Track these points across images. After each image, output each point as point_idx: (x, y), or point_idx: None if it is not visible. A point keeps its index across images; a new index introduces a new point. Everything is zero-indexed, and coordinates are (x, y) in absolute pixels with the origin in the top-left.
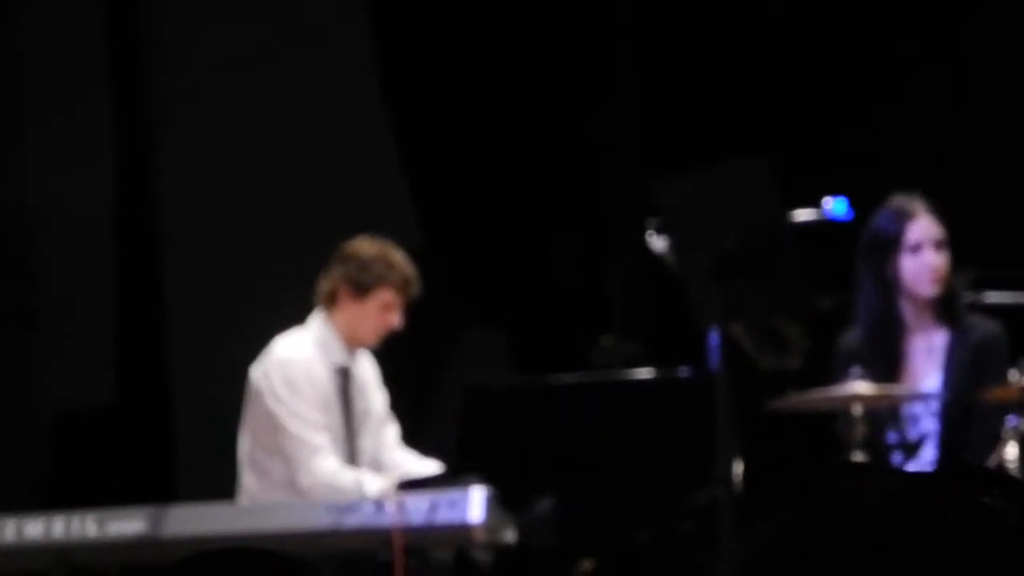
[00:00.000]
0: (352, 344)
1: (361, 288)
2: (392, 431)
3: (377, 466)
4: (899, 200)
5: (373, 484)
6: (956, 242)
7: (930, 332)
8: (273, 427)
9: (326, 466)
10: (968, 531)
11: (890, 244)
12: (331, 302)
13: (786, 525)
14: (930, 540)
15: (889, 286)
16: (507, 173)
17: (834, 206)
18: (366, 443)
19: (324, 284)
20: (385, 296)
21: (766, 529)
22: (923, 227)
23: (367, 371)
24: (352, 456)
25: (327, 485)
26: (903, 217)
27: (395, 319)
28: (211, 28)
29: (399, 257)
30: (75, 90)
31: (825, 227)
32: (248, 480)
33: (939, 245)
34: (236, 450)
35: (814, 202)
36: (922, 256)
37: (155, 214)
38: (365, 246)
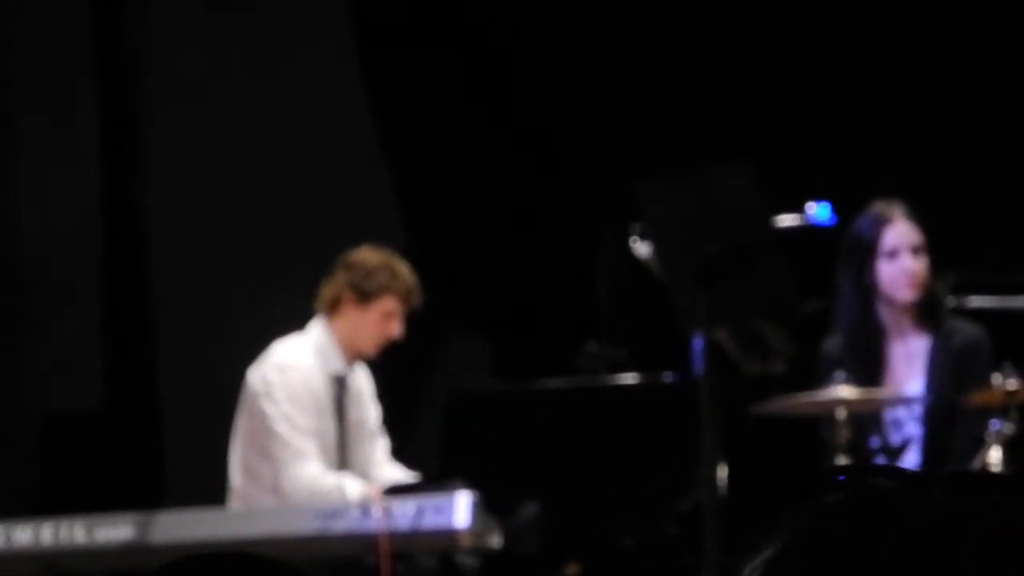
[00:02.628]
0: (351, 353)
1: (365, 295)
2: (382, 445)
3: (366, 478)
4: (878, 206)
5: (354, 488)
6: (939, 247)
7: (912, 337)
8: (264, 429)
9: (307, 471)
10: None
11: (868, 249)
12: (333, 308)
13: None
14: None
15: (867, 291)
16: (493, 179)
17: (817, 211)
18: (357, 453)
19: (327, 290)
20: (388, 304)
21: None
22: (900, 232)
23: (363, 383)
24: (342, 465)
25: (307, 490)
26: (880, 222)
27: (396, 328)
28: (198, 28)
29: (403, 267)
30: (61, 93)
31: (809, 232)
32: (238, 482)
33: (916, 250)
34: (226, 455)
35: (798, 207)
36: (899, 261)
37: (142, 220)
38: (370, 255)
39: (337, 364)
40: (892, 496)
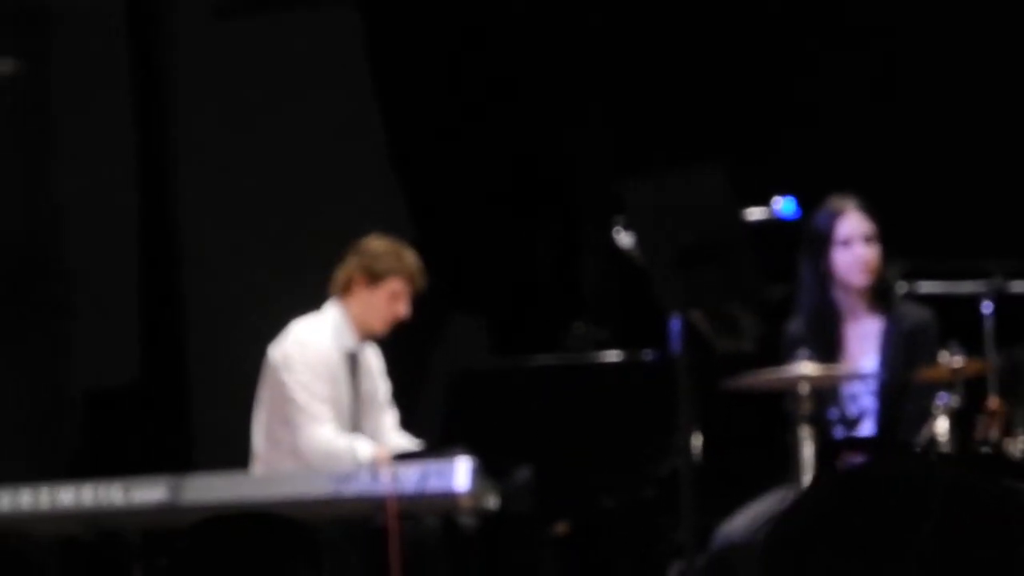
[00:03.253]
0: (362, 332)
1: (374, 277)
2: (391, 417)
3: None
4: (833, 200)
5: (365, 449)
6: (892, 237)
7: (866, 318)
8: (284, 397)
9: (322, 433)
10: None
11: (824, 239)
12: (346, 290)
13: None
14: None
15: (824, 277)
16: (492, 175)
17: (783, 206)
18: (368, 423)
19: (340, 274)
20: (395, 285)
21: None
22: (852, 223)
23: (373, 360)
24: (355, 433)
25: (322, 450)
26: (835, 214)
27: (403, 308)
28: (225, 31)
29: (408, 253)
30: (99, 93)
31: (775, 225)
32: (261, 448)
33: (868, 239)
34: (249, 424)
35: (764, 201)
36: (852, 249)
37: (175, 210)
38: (378, 242)
39: (350, 342)
40: (904, 471)
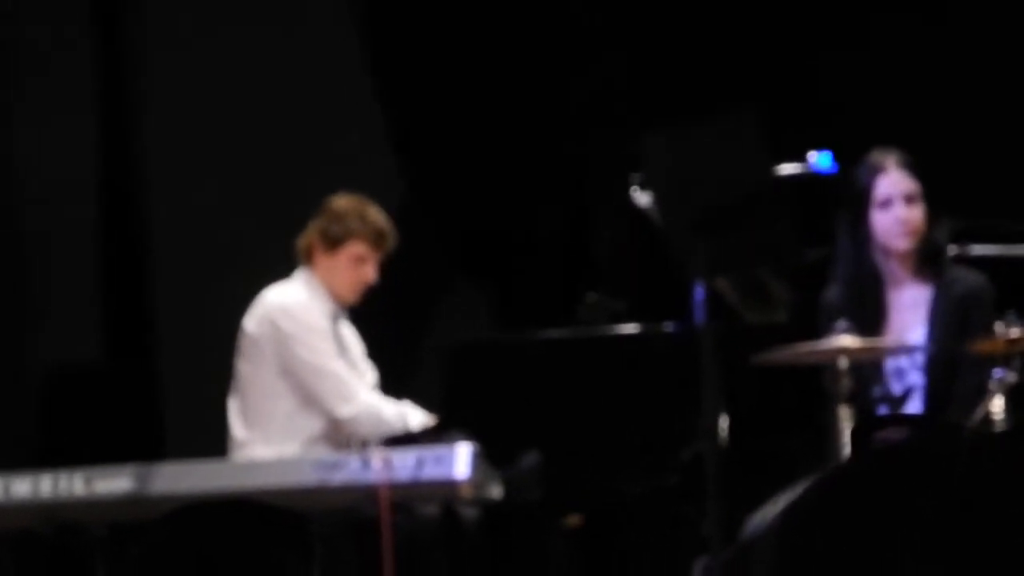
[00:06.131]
0: (334, 299)
1: (332, 241)
2: (371, 376)
3: None
4: (873, 155)
5: (415, 417)
6: (941, 194)
7: (912, 285)
8: (286, 370)
9: (367, 396)
10: None
11: (861, 199)
12: (308, 258)
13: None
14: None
15: (863, 241)
16: (493, 131)
17: (819, 160)
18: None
19: (301, 240)
20: (356, 249)
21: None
22: (893, 181)
23: (345, 320)
24: None
25: (371, 415)
26: (874, 172)
27: (368, 273)
28: None
29: (373, 211)
30: (57, 44)
31: (810, 181)
32: (239, 432)
33: (910, 199)
34: (226, 405)
35: (799, 155)
36: (893, 210)
37: (140, 173)
38: (340, 201)
39: (328, 304)
40: (921, 452)
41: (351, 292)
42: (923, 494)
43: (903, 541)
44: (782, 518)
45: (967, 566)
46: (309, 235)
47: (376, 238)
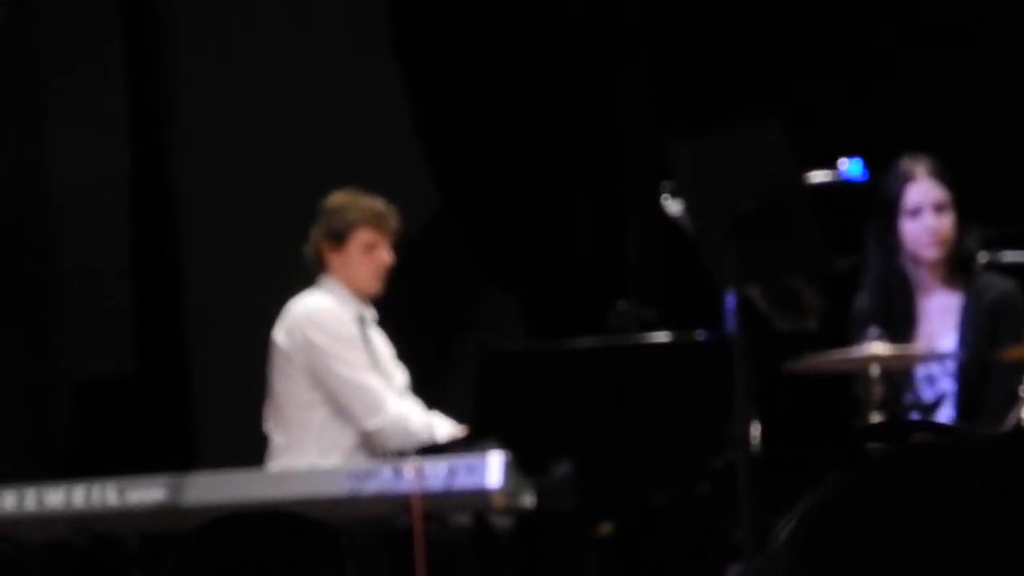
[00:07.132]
0: (359, 295)
1: (338, 237)
2: (401, 377)
3: None
4: (903, 162)
5: (442, 428)
6: (972, 200)
7: (943, 292)
8: (318, 381)
9: (396, 408)
10: None
11: (891, 207)
12: (320, 263)
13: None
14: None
15: (893, 249)
16: (524, 137)
17: (850, 167)
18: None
19: (308, 249)
20: (363, 236)
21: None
22: (922, 190)
23: (373, 319)
24: None
25: (399, 427)
26: (904, 180)
27: (383, 256)
28: None
29: (366, 198)
30: (89, 57)
31: (841, 188)
32: (278, 441)
33: (940, 208)
34: (258, 416)
35: (830, 163)
36: (922, 219)
37: (171, 183)
38: (332, 199)
39: (355, 306)
40: (937, 455)
41: (372, 281)
42: (946, 497)
43: (923, 544)
44: (799, 520)
45: (987, 570)
46: (314, 241)
47: (378, 220)
